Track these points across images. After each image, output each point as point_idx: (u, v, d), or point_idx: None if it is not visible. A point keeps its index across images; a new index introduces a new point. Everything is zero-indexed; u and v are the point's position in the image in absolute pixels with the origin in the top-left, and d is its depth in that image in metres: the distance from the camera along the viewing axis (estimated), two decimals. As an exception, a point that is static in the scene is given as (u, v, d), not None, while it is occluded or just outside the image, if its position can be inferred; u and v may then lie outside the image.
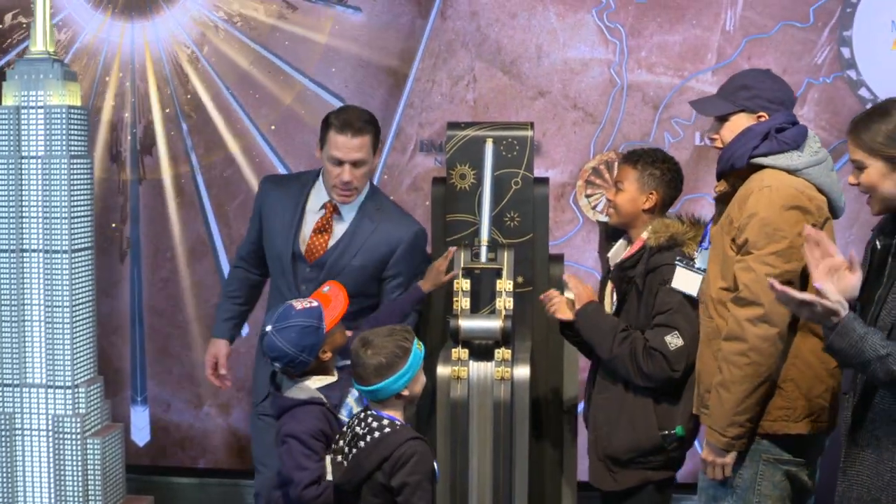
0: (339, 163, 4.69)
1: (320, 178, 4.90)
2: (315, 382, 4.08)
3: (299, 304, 4.07)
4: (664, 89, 5.82)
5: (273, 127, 6.36)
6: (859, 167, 3.66)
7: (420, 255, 4.94)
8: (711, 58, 5.80)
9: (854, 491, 3.68)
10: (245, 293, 5.22)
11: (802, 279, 3.89)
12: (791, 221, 3.89)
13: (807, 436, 4.02)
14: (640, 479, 4.53)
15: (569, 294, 4.75)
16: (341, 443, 3.99)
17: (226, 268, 6.47)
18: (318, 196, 4.88)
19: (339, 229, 4.83)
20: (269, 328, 3.99)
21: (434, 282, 4.66)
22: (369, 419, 3.95)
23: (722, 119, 4.17)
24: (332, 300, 4.12)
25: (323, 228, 4.84)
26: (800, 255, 3.80)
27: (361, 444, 3.91)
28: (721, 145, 4.18)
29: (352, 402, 4.16)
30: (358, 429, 3.95)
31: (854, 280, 3.57)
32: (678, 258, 4.40)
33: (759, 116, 4.09)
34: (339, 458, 3.97)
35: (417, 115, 6.06)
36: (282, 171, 6.32)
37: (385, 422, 3.93)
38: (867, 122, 3.65)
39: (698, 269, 4.35)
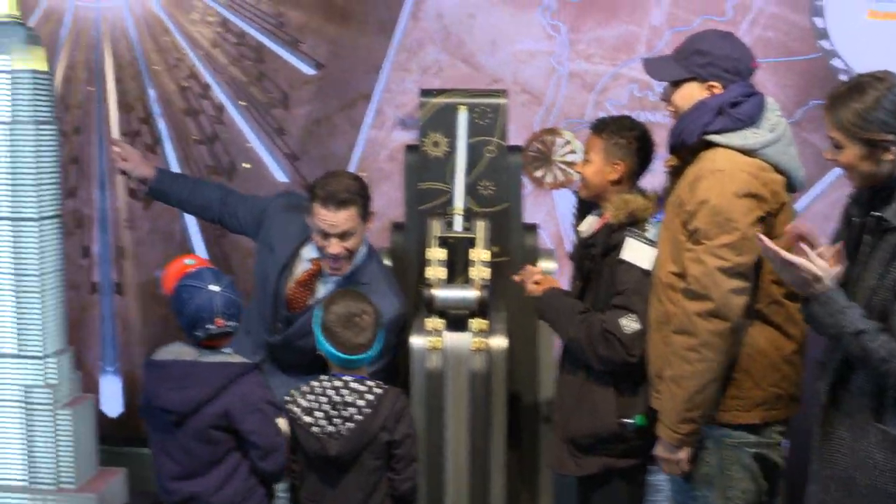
0: (326, 235, 4.40)
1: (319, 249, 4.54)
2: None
3: (210, 266, 3.95)
4: (599, 76, 6.02)
5: (250, 106, 6.30)
6: (836, 146, 3.38)
7: (393, 336, 4.44)
8: (641, 49, 6.00)
9: (828, 469, 3.45)
10: (207, 192, 4.98)
11: (756, 270, 3.65)
12: (744, 210, 3.61)
13: (762, 423, 3.79)
14: (602, 466, 4.24)
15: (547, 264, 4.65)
16: (307, 418, 3.81)
17: (196, 238, 6.39)
18: (313, 246, 4.55)
19: (322, 291, 4.54)
20: (217, 289, 3.78)
21: None
22: (351, 384, 3.83)
23: (675, 84, 3.88)
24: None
25: (306, 284, 4.57)
26: (753, 246, 3.54)
27: (351, 410, 3.78)
28: (674, 111, 3.90)
29: None
30: (338, 397, 3.79)
31: (836, 271, 3.34)
32: (629, 229, 4.12)
33: (711, 86, 3.79)
34: (317, 430, 3.79)
35: (393, 97, 6.18)
36: (253, 139, 6.26)
37: (371, 383, 3.84)
38: (844, 99, 3.33)
39: (649, 240, 4.08)
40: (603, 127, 4.33)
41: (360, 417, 3.79)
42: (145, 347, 6.43)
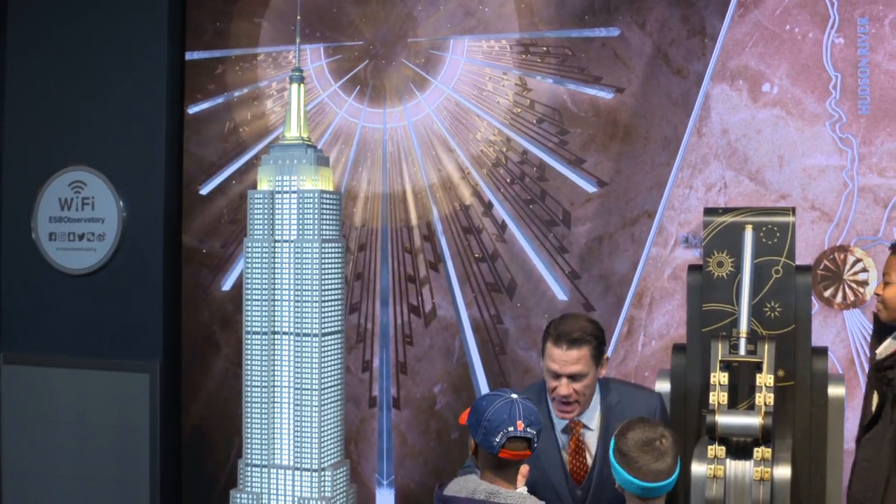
0: (556, 376, 4.24)
1: (547, 393, 4.38)
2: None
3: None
4: (893, 191, 5.79)
5: (531, 224, 6.32)
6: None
7: (665, 418, 4.47)
8: (939, 161, 5.78)
9: None
10: None
11: None
12: None
13: None
14: None
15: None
16: None
17: (474, 355, 6.35)
18: (553, 414, 4.37)
19: (592, 440, 4.38)
20: (515, 396, 3.55)
21: None
22: None
23: None
24: None
25: (578, 449, 4.37)
26: None
27: None
28: None
29: None
30: None
31: None
32: None
33: None
34: None
35: (677, 215, 6.11)
36: (533, 257, 6.25)
37: None
38: None
39: None
40: None
41: None
42: (420, 462, 6.42)
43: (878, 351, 4.23)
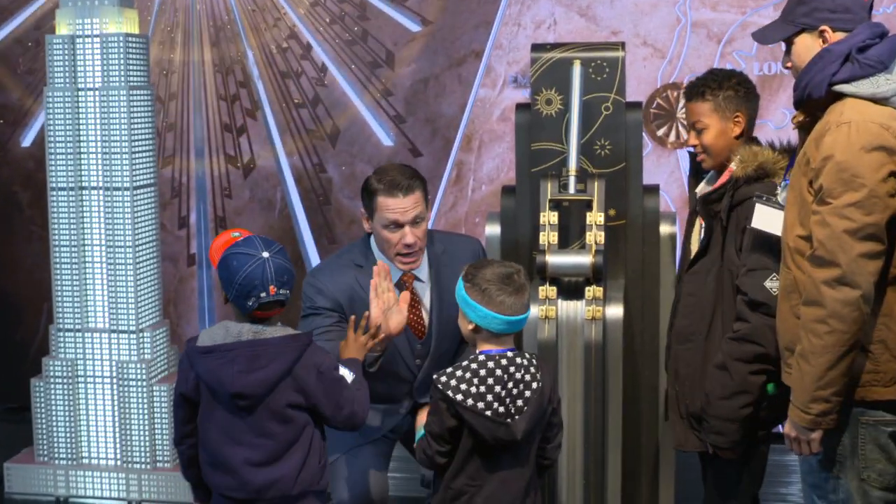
0: (399, 225, 4.24)
1: (373, 251, 4.39)
2: None
3: (253, 235, 3.75)
4: (727, 25, 5.85)
5: (353, 66, 6.28)
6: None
7: None
8: (773, -7, 5.84)
9: None
10: None
11: (890, 231, 3.34)
12: (873, 166, 3.31)
13: None
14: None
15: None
16: (480, 404, 3.56)
17: (297, 205, 6.33)
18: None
19: (425, 293, 4.42)
20: (266, 254, 3.56)
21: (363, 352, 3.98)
22: (517, 359, 3.63)
23: (788, 44, 3.62)
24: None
25: (413, 303, 4.35)
26: (884, 204, 3.28)
27: (521, 386, 3.60)
28: (795, 71, 3.72)
29: None
30: (507, 376, 3.60)
31: None
32: (756, 194, 3.87)
33: (822, 31, 3.52)
34: (490, 414, 3.57)
35: (505, 54, 6.11)
36: (356, 101, 6.23)
37: (528, 354, 3.69)
38: None
39: (780, 205, 3.82)
40: (702, 88, 4.15)
41: (529, 393, 3.61)
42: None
43: (697, 190, 4.31)
